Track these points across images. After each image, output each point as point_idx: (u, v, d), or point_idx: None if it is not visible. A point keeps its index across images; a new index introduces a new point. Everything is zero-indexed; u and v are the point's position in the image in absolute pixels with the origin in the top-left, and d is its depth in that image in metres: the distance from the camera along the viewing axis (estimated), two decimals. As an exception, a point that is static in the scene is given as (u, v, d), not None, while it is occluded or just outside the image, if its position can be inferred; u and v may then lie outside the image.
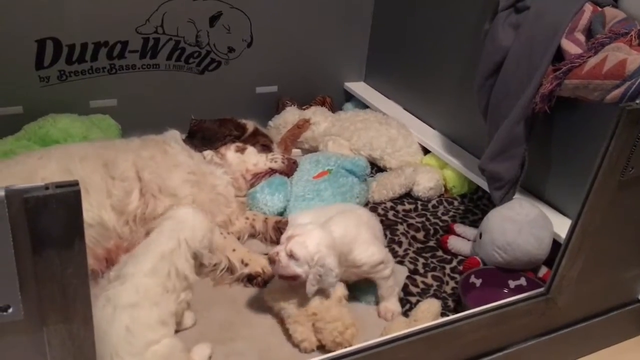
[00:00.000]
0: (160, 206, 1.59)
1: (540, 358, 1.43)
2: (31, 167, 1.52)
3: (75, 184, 0.68)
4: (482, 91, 1.75)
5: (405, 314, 1.52)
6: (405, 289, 1.60)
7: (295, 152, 2.22)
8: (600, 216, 1.26)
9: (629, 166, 1.20)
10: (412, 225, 1.88)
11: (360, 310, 1.54)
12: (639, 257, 1.47)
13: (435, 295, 1.59)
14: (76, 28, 1.97)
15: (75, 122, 1.96)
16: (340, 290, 1.44)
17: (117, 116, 2.11)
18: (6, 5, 1.82)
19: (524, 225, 1.57)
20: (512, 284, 1.60)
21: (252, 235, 1.76)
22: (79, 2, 1.93)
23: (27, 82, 1.98)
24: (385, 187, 1.97)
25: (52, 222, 0.68)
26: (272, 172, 1.85)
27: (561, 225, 1.60)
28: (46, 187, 0.67)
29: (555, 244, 1.58)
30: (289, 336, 1.39)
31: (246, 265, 1.57)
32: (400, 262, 1.72)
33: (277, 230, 1.69)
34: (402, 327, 1.34)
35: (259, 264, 1.57)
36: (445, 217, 1.94)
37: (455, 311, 1.53)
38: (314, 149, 2.19)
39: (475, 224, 1.86)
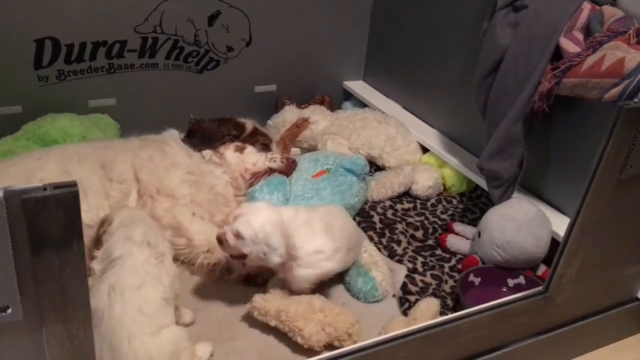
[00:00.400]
0: (158, 207, 1.59)
1: (539, 356, 1.44)
2: (30, 168, 1.52)
3: (74, 184, 0.68)
4: (481, 90, 1.75)
5: (405, 312, 1.52)
6: (404, 287, 1.60)
7: (294, 151, 2.22)
8: (599, 215, 1.26)
9: (627, 164, 1.20)
10: (411, 224, 1.88)
11: (359, 309, 1.54)
12: (638, 255, 1.47)
13: (434, 294, 1.59)
14: (75, 27, 1.97)
15: (74, 121, 1.96)
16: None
17: (116, 115, 2.11)
18: (5, 5, 1.82)
19: (523, 223, 1.58)
20: (511, 282, 1.60)
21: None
22: (78, 1, 1.93)
23: (26, 81, 1.98)
24: (384, 186, 1.97)
25: (50, 223, 0.68)
26: (271, 171, 1.85)
27: (560, 224, 1.60)
28: (44, 188, 0.67)
29: (554, 242, 1.58)
30: (289, 339, 1.38)
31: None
32: (399, 261, 1.72)
33: (276, 229, 1.69)
34: (401, 326, 1.35)
35: None
36: (444, 216, 1.94)
37: (454, 310, 1.54)
38: (313, 148, 2.19)
39: (474, 222, 1.86)
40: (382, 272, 1.61)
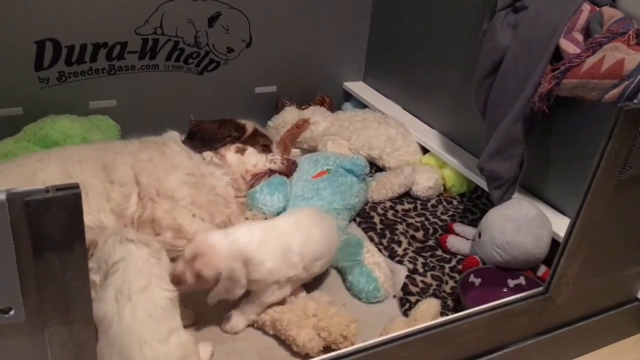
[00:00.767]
0: (158, 209, 1.59)
1: (540, 357, 1.44)
2: (31, 170, 1.52)
3: (76, 186, 0.68)
4: (481, 91, 1.75)
5: (405, 313, 1.53)
6: (404, 288, 1.60)
7: (295, 152, 2.22)
8: (599, 215, 1.26)
9: (627, 165, 1.21)
10: (412, 224, 1.88)
11: (360, 309, 1.54)
12: (638, 255, 1.48)
13: (434, 295, 1.59)
14: (75, 29, 1.97)
15: (74, 123, 1.96)
16: (326, 297, 1.48)
17: (116, 117, 2.11)
18: (5, 7, 1.83)
19: (523, 224, 1.58)
20: (511, 283, 1.60)
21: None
22: (78, 3, 1.93)
23: (27, 83, 1.98)
24: (384, 187, 1.98)
25: (53, 225, 0.68)
26: (271, 172, 1.86)
27: (560, 225, 1.60)
28: (47, 190, 0.67)
29: (554, 243, 1.58)
30: (287, 345, 1.38)
31: None
32: (400, 262, 1.72)
33: (276, 230, 1.70)
34: (401, 327, 1.35)
35: None
36: (444, 217, 1.94)
37: (455, 310, 1.54)
38: (313, 149, 2.20)
39: (474, 223, 1.86)
40: (384, 273, 1.61)
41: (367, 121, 2.19)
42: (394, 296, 1.60)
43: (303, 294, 1.52)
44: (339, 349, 1.33)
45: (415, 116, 2.32)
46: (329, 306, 1.42)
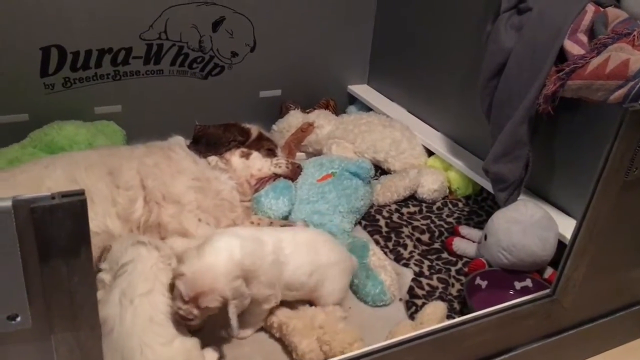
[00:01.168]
0: (164, 213, 1.59)
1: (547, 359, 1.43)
2: (37, 176, 1.53)
3: (81, 193, 0.69)
4: (485, 93, 1.75)
5: (411, 317, 1.52)
6: (410, 291, 1.60)
7: (300, 155, 2.22)
8: (605, 217, 1.26)
9: (633, 166, 1.20)
10: (417, 227, 1.88)
11: (366, 312, 1.55)
12: (645, 257, 1.47)
13: (440, 298, 1.59)
14: (80, 35, 1.98)
15: (80, 128, 1.97)
16: (339, 312, 1.45)
17: (122, 122, 2.12)
18: (10, 14, 1.84)
19: (529, 226, 1.57)
20: (517, 285, 1.60)
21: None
22: (83, 9, 1.94)
23: (33, 89, 1.99)
24: (389, 190, 1.98)
25: (58, 231, 0.68)
26: (276, 176, 1.86)
27: (566, 226, 1.60)
28: (52, 197, 0.68)
29: (561, 244, 1.58)
30: (289, 352, 1.38)
31: None
32: (406, 265, 1.72)
33: (282, 234, 1.70)
34: (408, 330, 1.34)
35: None
36: (450, 219, 1.94)
37: (461, 313, 1.54)
38: (318, 153, 2.20)
39: (480, 225, 1.86)
40: (390, 276, 1.61)
41: (371, 124, 2.19)
42: (400, 299, 1.60)
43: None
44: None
45: (420, 119, 2.32)
46: (338, 321, 1.40)
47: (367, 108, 2.46)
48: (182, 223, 1.61)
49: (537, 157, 1.66)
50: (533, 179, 1.71)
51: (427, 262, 1.73)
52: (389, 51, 2.45)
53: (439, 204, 2.02)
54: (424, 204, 2.01)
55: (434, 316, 1.42)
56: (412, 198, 2.03)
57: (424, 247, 1.81)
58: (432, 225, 1.90)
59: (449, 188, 2.06)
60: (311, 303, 1.48)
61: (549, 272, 1.63)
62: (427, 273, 1.69)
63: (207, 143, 1.82)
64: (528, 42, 1.59)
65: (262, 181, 1.83)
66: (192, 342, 1.27)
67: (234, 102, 2.32)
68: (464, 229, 1.84)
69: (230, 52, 2.25)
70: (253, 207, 1.80)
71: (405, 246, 1.78)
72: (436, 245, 1.82)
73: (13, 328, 0.70)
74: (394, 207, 1.97)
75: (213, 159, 1.79)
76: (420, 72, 2.28)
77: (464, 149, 2.10)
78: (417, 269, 1.70)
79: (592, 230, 1.27)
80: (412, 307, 1.55)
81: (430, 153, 2.17)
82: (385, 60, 2.49)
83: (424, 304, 1.54)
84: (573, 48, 1.49)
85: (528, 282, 1.59)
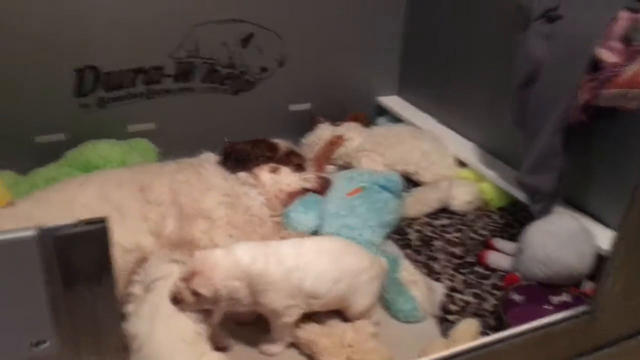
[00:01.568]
0: (195, 229, 1.61)
1: (586, 377, 1.39)
2: (72, 194, 1.56)
3: (103, 220, 0.69)
4: (517, 102, 1.72)
5: (444, 333, 1.49)
6: (443, 307, 1.57)
7: (330, 168, 2.21)
8: (644, 228, 1.21)
9: (671, 176, 1.16)
10: (450, 240, 1.85)
11: (398, 329, 1.52)
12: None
13: (474, 313, 1.55)
14: (113, 56, 2.03)
15: (114, 147, 2.01)
16: (369, 328, 1.43)
17: (155, 139, 2.16)
18: (46, 38, 1.90)
19: (565, 238, 1.53)
20: (554, 299, 1.56)
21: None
22: (115, 31, 1.99)
23: (68, 109, 2.05)
24: (420, 202, 1.95)
25: (81, 259, 0.69)
26: (305, 191, 1.85)
27: (604, 238, 1.55)
28: (75, 225, 0.69)
29: (598, 257, 1.53)
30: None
31: None
32: (437, 279, 1.69)
33: (311, 249, 1.69)
34: (440, 348, 1.32)
35: None
36: (483, 232, 1.90)
37: (497, 329, 1.50)
38: (347, 166, 2.19)
39: (514, 238, 1.81)
40: (422, 292, 1.58)
41: (401, 136, 2.17)
42: (433, 315, 1.57)
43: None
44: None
45: (452, 129, 2.29)
46: (368, 339, 1.39)
47: (397, 120, 2.44)
48: (213, 239, 1.62)
49: (572, 167, 1.62)
50: (569, 189, 1.67)
51: (460, 277, 1.70)
52: (419, 61, 2.43)
53: (472, 216, 1.98)
54: (456, 216, 1.97)
55: (467, 333, 1.39)
56: (444, 210, 2.00)
57: (457, 261, 1.77)
58: (464, 238, 1.87)
59: (482, 199, 2.02)
60: (343, 317, 1.47)
61: (587, 285, 1.58)
62: (460, 288, 1.66)
63: (236, 159, 1.83)
64: (559, 51, 1.55)
65: (292, 196, 1.83)
66: (220, 358, 1.28)
67: (264, 116, 2.33)
68: (498, 242, 1.80)
69: (259, 67, 2.27)
70: (283, 222, 1.80)
71: (437, 260, 1.76)
72: (469, 259, 1.78)
73: (41, 354, 0.71)
74: (425, 220, 1.94)
75: (242, 175, 1.80)
76: (451, 82, 2.26)
77: (497, 159, 2.06)
78: (449, 283, 1.67)
79: (631, 242, 1.22)
80: (445, 323, 1.52)
81: (462, 164, 2.14)
82: (415, 71, 2.47)
83: (457, 320, 1.51)
84: (606, 56, 1.45)
85: (565, 297, 1.54)
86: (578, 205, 1.73)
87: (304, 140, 2.32)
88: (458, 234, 1.89)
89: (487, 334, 1.44)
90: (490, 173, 2.00)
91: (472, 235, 1.89)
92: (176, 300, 1.27)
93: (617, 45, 1.46)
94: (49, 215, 1.44)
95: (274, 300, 1.33)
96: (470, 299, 1.61)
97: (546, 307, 1.55)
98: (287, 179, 1.85)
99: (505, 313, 1.49)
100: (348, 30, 2.36)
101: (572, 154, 1.62)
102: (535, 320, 1.28)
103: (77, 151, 1.98)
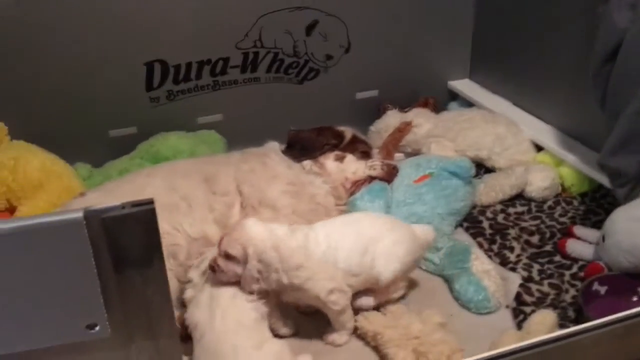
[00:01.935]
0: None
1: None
2: (140, 185, 1.60)
3: (151, 202, 0.68)
4: (599, 79, 1.60)
5: (519, 325, 1.41)
6: (518, 298, 1.49)
7: (398, 156, 2.15)
8: None
9: None
10: (525, 228, 1.75)
11: (469, 320, 1.46)
12: None
13: (552, 305, 1.46)
14: (180, 49, 2.06)
15: (182, 138, 2.04)
16: (437, 317, 1.37)
17: (222, 130, 2.18)
18: (116, 34, 1.94)
19: (653, 225, 1.41)
20: (641, 290, 1.44)
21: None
22: (181, 24, 2.01)
23: (140, 103, 2.09)
24: (494, 189, 1.86)
25: (130, 241, 0.69)
26: (371, 179, 1.81)
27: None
28: (123, 207, 0.68)
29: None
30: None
31: None
32: (513, 269, 1.60)
33: (378, 238, 1.65)
34: (512, 341, 1.25)
35: None
36: (563, 219, 1.79)
37: (576, 322, 1.41)
38: (416, 152, 2.11)
39: (597, 225, 1.69)
40: (495, 282, 1.51)
41: (473, 120, 2.08)
42: (507, 306, 1.49)
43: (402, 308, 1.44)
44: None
45: (528, 112, 2.16)
46: (436, 330, 1.33)
47: (469, 104, 2.34)
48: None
49: (661, 148, 1.49)
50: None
51: (536, 266, 1.61)
52: (492, 41, 2.31)
53: (550, 202, 1.87)
54: (533, 203, 1.87)
55: (543, 325, 1.31)
56: (520, 197, 1.89)
57: (534, 250, 1.68)
58: (542, 226, 1.76)
59: (562, 185, 1.90)
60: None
61: (679, 276, 1.45)
62: (537, 278, 1.57)
63: (301, 148, 1.81)
64: (645, 20, 1.43)
65: (357, 184, 1.79)
66: (282, 346, 1.27)
67: (330, 105, 2.30)
68: (579, 230, 1.69)
69: (324, 55, 2.23)
70: (348, 211, 1.76)
71: (511, 249, 1.67)
72: (547, 248, 1.68)
73: (92, 337, 0.71)
74: (499, 207, 1.85)
75: (307, 163, 1.78)
76: (526, 61, 2.13)
77: (577, 142, 1.93)
78: (525, 273, 1.58)
79: None
80: (520, 315, 1.44)
81: (539, 148, 2.02)
82: (487, 52, 2.36)
83: (533, 311, 1.43)
84: (699, 22, 1.31)
85: (654, 288, 1.42)
86: (669, 189, 1.59)
87: (371, 128, 2.27)
88: (535, 222, 1.78)
89: (567, 327, 1.34)
90: (569, 157, 1.87)
91: (551, 222, 1.78)
92: (212, 268, 1.29)
93: None
94: (117, 205, 1.48)
95: (314, 284, 1.29)
96: (548, 289, 1.52)
97: (633, 299, 1.44)
98: (353, 166, 1.81)
99: (586, 305, 1.40)
100: (415, 12, 2.28)
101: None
102: (618, 313, 1.19)
103: (147, 143, 2.03)
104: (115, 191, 1.58)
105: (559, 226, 1.76)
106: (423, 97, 2.36)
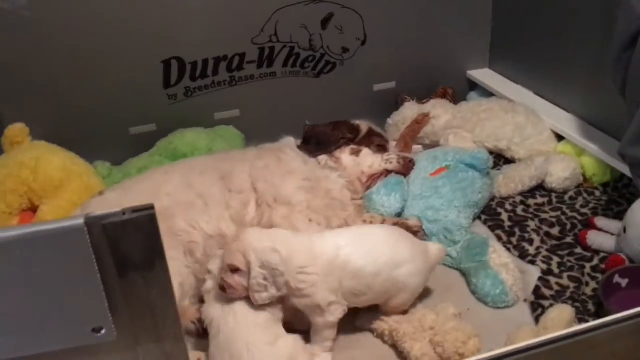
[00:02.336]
0: (276, 215, 1.60)
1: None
2: (157, 183, 1.61)
3: (151, 207, 0.69)
4: (619, 66, 1.56)
5: (537, 319, 1.39)
6: (536, 291, 1.47)
7: (416, 148, 2.13)
8: None
9: None
10: (545, 220, 1.72)
11: (486, 314, 1.45)
12: None
13: (572, 299, 1.44)
14: (197, 46, 2.07)
15: (200, 135, 2.06)
16: (452, 309, 1.36)
17: (240, 125, 2.19)
18: (132, 33, 1.97)
19: (677, 216, 1.37)
20: (664, 283, 1.41)
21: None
22: (197, 21, 2.03)
23: (158, 101, 2.12)
24: (513, 180, 1.83)
25: (132, 246, 0.70)
26: (388, 172, 1.79)
27: None
28: (123, 213, 0.69)
29: None
30: (404, 358, 1.32)
31: None
32: (532, 262, 1.58)
33: (395, 232, 1.64)
34: (528, 336, 1.23)
35: None
36: (584, 210, 1.76)
37: (597, 316, 1.38)
38: (435, 144, 2.10)
39: (620, 216, 1.65)
40: (513, 276, 1.49)
41: (492, 110, 2.05)
42: (525, 300, 1.48)
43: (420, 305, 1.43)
44: (456, 365, 1.25)
45: (548, 100, 2.12)
46: (449, 319, 1.33)
47: (489, 94, 2.30)
48: (293, 224, 1.60)
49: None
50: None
51: (556, 259, 1.58)
52: (512, 29, 2.27)
53: (571, 193, 1.84)
54: (553, 194, 1.84)
55: (559, 321, 1.29)
56: (540, 188, 1.86)
57: (554, 242, 1.65)
58: (563, 217, 1.74)
59: (583, 175, 1.87)
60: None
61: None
62: (556, 271, 1.54)
63: (317, 142, 1.81)
64: (666, 5, 1.38)
65: (374, 178, 1.78)
66: (295, 340, 1.28)
67: (347, 98, 2.29)
68: (600, 221, 1.66)
69: (341, 47, 2.22)
70: (365, 205, 1.76)
71: (531, 241, 1.64)
72: (568, 240, 1.66)
73: (98, 340, 0.72)
74: (518, 199, 1.82)
75: (323, 158, 1.77)
76: (546, 49, 2.09)
77: (599, 131, 1.89)
78: (544, 266, 1.56)
79: None
80: (539, 308, 1.43)
81: (560, 138, 1.98)
82: (507, 40, 2.32)
83: (551, 305, 1.41)
84: None
85: (677, 281, 1.39)
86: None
87: (389, 120, 2.25)
88: (555, 213, 1.75)
89: (587, 322, 1.32)
90: (591, 146, 1.83)
91: (572, 214, 1.74)
92: (222, 288, 1.27)
93: None
94: (134, 204, 1.49)
95: (316, 292, 1.26)
96: (568, 282, 1.49)
97: (655, 292, 1.40)
98: (369, 160, 1.80)
99: (607, 298, 1.38)
100: (432, 2, 2.25)
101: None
102: (641, 306, 1.16)
103: (166, 141, 2.05)
104: (133, 189, 1.59)
105: (580, 217, 1.73)
106: (441, 88, 2.34)
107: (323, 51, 2.20)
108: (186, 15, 2.01)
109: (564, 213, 1.75)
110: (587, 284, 1.49)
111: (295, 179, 1.67)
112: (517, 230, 1.69)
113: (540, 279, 1.51)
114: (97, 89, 2.01)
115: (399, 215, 1.73)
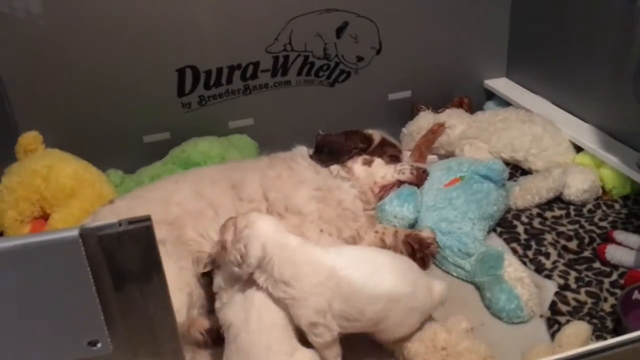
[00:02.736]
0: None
1: None
2: (168, 191, 1.60)
3: (147, 219, 0.68)
4: (639, 77, 1.51)
5: (554, 336, 1.35)
6: (553, 307, 1.43)
7: (431, 158, 2.11)
8: None
9: None
10: (563, 233, 1.68)
11: (500, 329, 1.41)
12: None
13: (589, 315, 1.40)
14: (211, 55, 2.07)
15: (213, 143, 2.05)
16: (464, 323, 1.30)
17: (254, 134, 2.18)
18: (147, 41, 1.97)
19: (699, 231, 1.33)
20: (686, 301, 1.36)
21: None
22: (211, 30, 2.03)
23: (172, 109, 2.12)
24: (529, 192, 1.79)
25: (128, 258, 0.68)
26: (401, 183, 1.77)
27: None
28: (119, 224, 0.67)
29: None
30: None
31: None
32: (548, 276, 1.54)
33: (407, 244, 1.61)
34: (543, 354, 1.19)
35: None
36: (603, 223, 1.71)
37: (615, 333, 1.34)
38: (450, 154, 2.06)
39: (640, 230, 1.62)
40: (528, 290, 1.45)
41: (508, 120, 2.01)
42: (541, 316, 1.44)
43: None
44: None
45: (567, 111, 2.08)
46: (462, 338, 1.27)
47: (506, 104, 2.27)
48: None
49: None
50: None
51: (574, 274, 1.54)
52: (530, 38, 2.24)
53: (590, 206, 1.79)
54: (571, 207, 1.79)
55: (575, 338, 1.24)
56: (558, 200, 1.82)
57: (571, 256, 1.61)
58: (581, 230, 1.69)
59: (603, 188, 1.82)
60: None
61: None
62: (573, 286, 1.50)
63: (329, 152, 1.79)
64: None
65: (386, 188, 1.75)
66: (312, 355, 1.25)
67: (362, 107, 2.27)
68: (619, 235, 1.61)
69: (355, 56, 2.21)
70: (377, 216, 1.73)
71: (547, 255, 1.60)
72: (586, 254, 1.61)
73: (95, 354, 0.71)
74: (535, 211, 1.78)
75: (335, 167, 1.75)
76: (565, 58, 2.05)
77: (619, 142, 1.84)
78: (561, 281, 1.52)
79: None
80: (555, 325, 1.39)
81: (579, 149, 1.94)
82: (525, 50, 2.28)
83: (568, 321, 1.37)
84: None
85: (700, 298, 1.34)
86: None
87: (404, 130, 2.23)
88: (573, 227, 1.71)
89: (605, 339, 1.28)
90: (611, 158, 1.79)
91: (590, 227, 1.70)
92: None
93: None
94: (145, 213, 1.49)
95: (301, 314, 1.21)
96: (586, 298, 1.45)
97: (677, 309, 1.36)
98: (381, 170, 1.77)
99: (625, 315, 1.33)
100: (449, 10, 2.22)
101: None
102: (661, 324, 1.12)
103: (179, 149, 2.05)
104: (144, 198, 1.59)
105: (598, 231, 1.68)
106: (458, 97, 2.31)
107: (337, 60, 2.19)
108: (201, 25, 2.01)
109: (582, 226, 1.71)
110: (606, 300, 1.45)
111: (306, 189, 1.65)
112: (533, 243, 1.65)
113: (556, 294, 1.47)
114: (111, 97, 2.02)
115: (412, 226, 1.70)
